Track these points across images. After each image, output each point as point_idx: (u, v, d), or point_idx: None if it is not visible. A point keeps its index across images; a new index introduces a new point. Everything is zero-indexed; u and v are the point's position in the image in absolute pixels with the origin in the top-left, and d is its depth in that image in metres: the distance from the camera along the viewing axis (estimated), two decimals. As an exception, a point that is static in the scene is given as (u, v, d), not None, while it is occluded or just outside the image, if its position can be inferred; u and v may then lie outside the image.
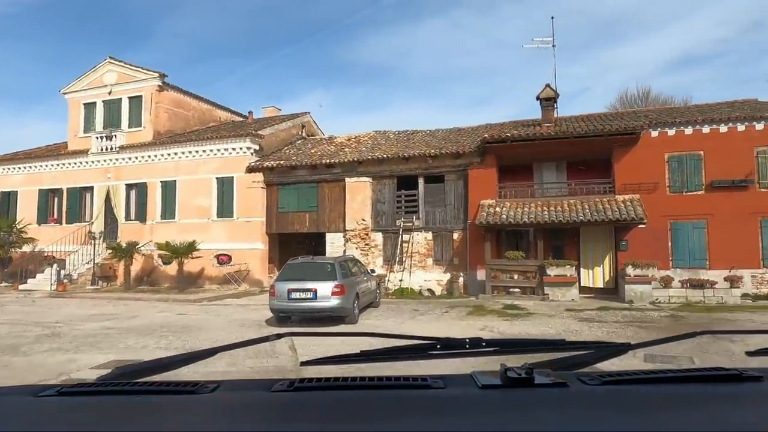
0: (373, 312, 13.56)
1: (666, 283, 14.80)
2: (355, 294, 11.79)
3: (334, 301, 11.00)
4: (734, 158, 15.31)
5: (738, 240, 15.14)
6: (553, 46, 21.31)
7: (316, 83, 75.32)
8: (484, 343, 1.23)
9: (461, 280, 17.71)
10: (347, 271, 12.08)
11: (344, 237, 19.16)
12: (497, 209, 16.64)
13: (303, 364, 1.38)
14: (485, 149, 17.37)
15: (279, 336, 1.28)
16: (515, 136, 16.52)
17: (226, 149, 20.56)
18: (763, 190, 15.17)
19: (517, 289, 16.26)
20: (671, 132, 15.98)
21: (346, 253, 18.82)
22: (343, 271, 11.63)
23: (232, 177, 20.49)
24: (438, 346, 1.22)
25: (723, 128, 15.56)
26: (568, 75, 56.66)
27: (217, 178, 20.63)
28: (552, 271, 15.50)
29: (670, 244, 15.79)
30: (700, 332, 1.34)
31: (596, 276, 16.48)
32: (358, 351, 1.26)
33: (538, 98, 18.22)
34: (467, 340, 1.22)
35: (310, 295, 11.03)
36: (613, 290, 16.06)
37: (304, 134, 24.55)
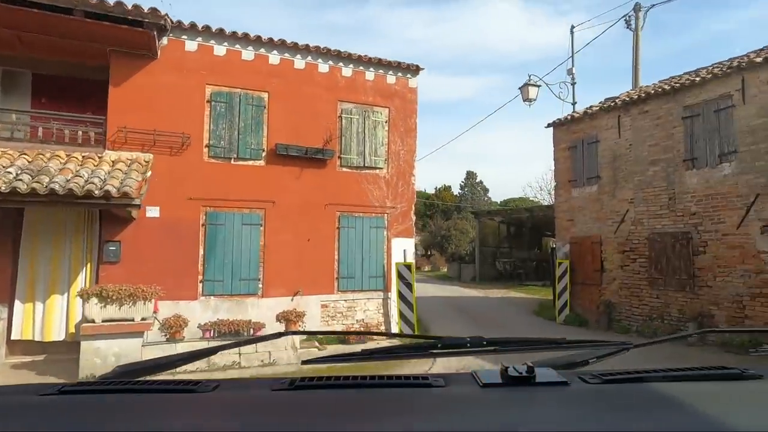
0: None
1: (175, 330, 7.42)
2: None
3: None
4: (310, 113, 9.51)
5: (307, 247, 9.34)
6: None
7: None
8: (484, 342, 1.23)
9: None
10: None
11: None
12: None
13: (304, 362, 1.37)
14: None
15: (280, 334, 1.42)
16: None
17: None
18: (344, 169, 9.86)
19: None
20: (220, 50, 8.99)
21: None
22: None
23: None
24: (439, 345, 1.23)
25: (300, 62, 9.57)
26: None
27: None
28: None
29: (202, 251, 8.69)
30: (701, 331, 1.37)
31: (51, 317, 7.77)
32: (360, 350, 1.28)
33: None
34: (468, 339, 1.23)
35: None
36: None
37: None
